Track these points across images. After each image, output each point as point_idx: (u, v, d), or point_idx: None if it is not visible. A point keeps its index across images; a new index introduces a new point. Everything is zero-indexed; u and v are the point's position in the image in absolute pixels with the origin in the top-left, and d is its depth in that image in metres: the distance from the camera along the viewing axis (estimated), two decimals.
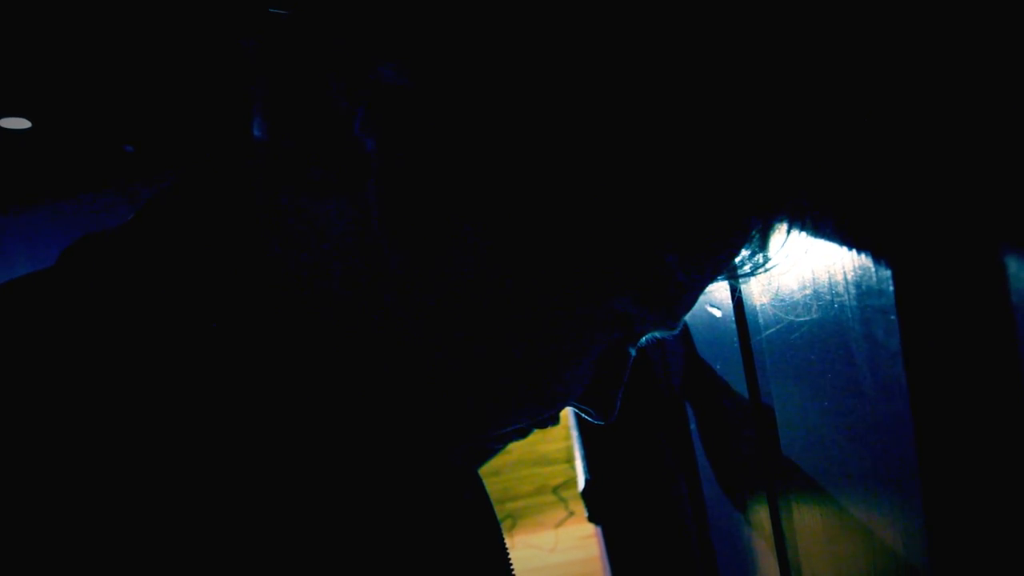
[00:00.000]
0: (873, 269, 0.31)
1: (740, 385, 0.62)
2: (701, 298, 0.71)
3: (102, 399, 0.25)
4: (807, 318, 0.41)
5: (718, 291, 0.63)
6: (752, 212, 0.31)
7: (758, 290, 0.50)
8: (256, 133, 0.30)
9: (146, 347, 0.27)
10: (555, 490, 3.32)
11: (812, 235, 0.36)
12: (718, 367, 0.70)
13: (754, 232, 0.32)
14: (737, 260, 0.34)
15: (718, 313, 0.65)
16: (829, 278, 0.36)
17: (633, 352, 0.37)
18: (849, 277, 0.34)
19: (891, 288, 0.30)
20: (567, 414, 1.82)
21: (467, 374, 0.31)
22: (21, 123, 2.66)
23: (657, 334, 0.36)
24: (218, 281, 0.30)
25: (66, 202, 3.29)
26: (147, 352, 0.27)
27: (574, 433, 1.84)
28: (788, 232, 0.34)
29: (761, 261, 0.35)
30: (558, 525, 3.12)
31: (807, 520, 0.50)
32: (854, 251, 0.33)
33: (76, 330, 0.27)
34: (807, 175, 0.32)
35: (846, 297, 0.35)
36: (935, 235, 0.29)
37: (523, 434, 0.39)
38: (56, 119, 2.68)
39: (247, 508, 0.26)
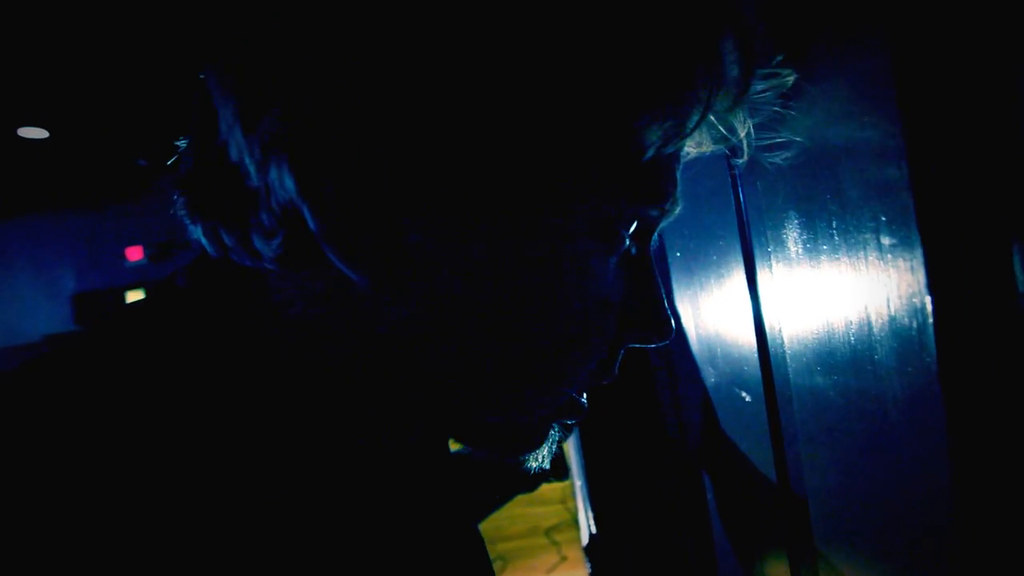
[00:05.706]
0: (918, 342, 0.31)
1: (768, 469, 0.62)
2: (728, 380, 0.70)
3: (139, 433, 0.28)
4: (847, 404, 0.41)
5: (745, 373, 0.63)
6: (688, 50, 0.29)
7: (794, 366, 0.50)
8: (207, 248, 0.33)
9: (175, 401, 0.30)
10: (547, 532, 3.26)
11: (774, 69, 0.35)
12: (743, 446, 0.70)
13: (703, 72, 0.30)
14: (702, 108, 0.31)
15: (747, 397, 0.65)
16: (871, 351, 0.36)
17: (651, 253, 0.37)
18: (892, 353, 0.34)
19: (936, 368, 0.30)
20: (568, 447, 1.79)
21: (484, 349, 0.32)
22: (39, 133, 2.68)
23: (663, 222, 0.35)
24: (230, 350, 0.33)
25: (79, 211, 3.30)
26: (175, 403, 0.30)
27: (576, 479, 1.82)
28: (744, 66, 0.32)
29: (730, 97, 0.32)
30: (550, 571, 3.05)
31: None
32: (889, 310, 0.33)
33: (114, 393, 0.29)
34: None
35: (887, 379, 0.35)
36: (980, 306, 0.28)
37: (532, 488, 0.41)
38: (73, 130, 2.71)
39: (235, 521, 0.28)
